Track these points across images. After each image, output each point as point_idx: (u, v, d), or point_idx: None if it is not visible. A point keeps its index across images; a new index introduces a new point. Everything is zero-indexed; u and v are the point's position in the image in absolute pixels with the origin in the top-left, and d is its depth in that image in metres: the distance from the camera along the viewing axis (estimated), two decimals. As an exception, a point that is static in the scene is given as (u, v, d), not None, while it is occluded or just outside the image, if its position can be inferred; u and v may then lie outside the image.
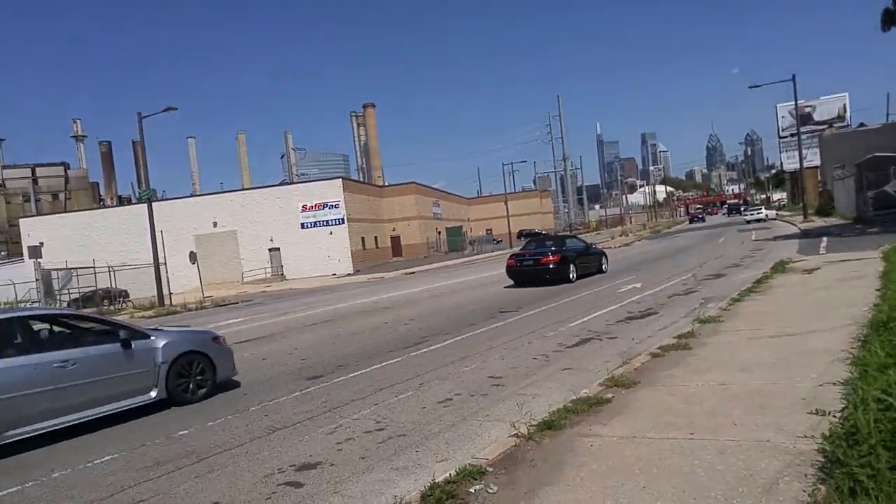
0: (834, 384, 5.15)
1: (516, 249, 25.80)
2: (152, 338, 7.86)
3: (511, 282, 19.83)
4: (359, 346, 11.40)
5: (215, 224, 49.12)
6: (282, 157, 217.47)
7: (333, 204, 47.41)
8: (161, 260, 29.09)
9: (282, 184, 62.85)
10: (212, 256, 48.08)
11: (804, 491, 3.39)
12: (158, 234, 29.29)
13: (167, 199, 55.53)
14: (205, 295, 31.11)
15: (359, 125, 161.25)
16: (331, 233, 47.24)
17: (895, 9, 23.98)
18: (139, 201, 48.53)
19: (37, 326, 7.58)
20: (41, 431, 6.64)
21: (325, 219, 47.54)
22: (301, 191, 50.13)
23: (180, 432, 6.69)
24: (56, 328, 7.80)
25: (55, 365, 6.81)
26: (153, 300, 28.96)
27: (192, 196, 64.73)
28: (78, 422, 6.93)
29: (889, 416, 3.40)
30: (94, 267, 32.46)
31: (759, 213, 55.64)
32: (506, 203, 61.63)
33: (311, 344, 12.35)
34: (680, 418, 4.97)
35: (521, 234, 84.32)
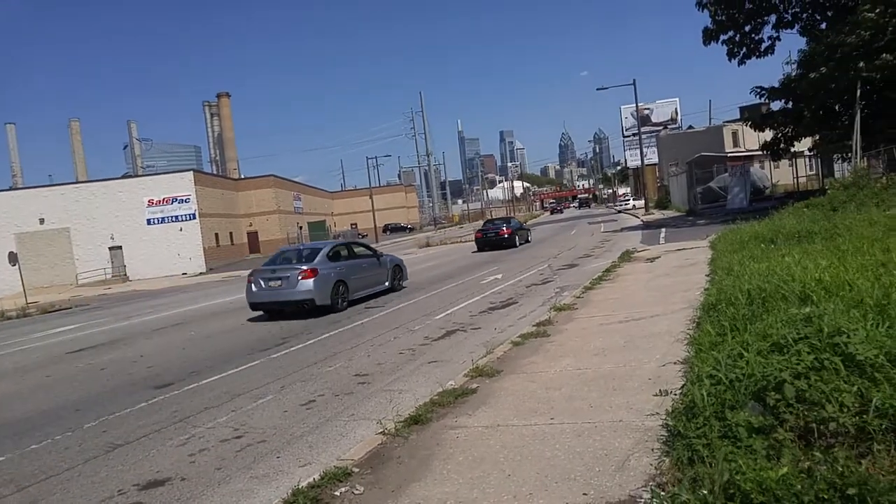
0: (675, 363, 5.63)
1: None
2: (384, 256, 15.80)
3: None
4: (213, 350, 10.65)
5: (42, 221, 43.71)
6: (125, 147, 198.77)
7: (184, 198, 44.18)
8: (-28, 262, 25.17)
9: (125, 176, 57.41)
10: (38, 257, 42.83)
11: (651, 465, 3.64)
12: (-32, 232, 25.31)
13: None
14: (28, 300, 27.56)
15: (212, 115, 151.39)
16: (181, 229, 44.01)
17: (713, 27, 27.15)
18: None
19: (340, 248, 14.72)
20: (358, 297, 14.10)
21: (174, 214, 44.17)
22: (147, 184, 46.14)
23: (-6, 460, 5.77)
24: (354, 248, 15.37)
25: (362, 265, 14.69)
26: (-39, 309, 24.91)
27: (11, 189, 57.01)
28: (366, 294, 14.47)
29: (719, 389, 3.73)
30: None
31: (627, 204, 67.09)
32: (371, 197, 61.10)
33: (159, 350, 11.37)
34: (541, 404, 5.15)
35: (387, 229, 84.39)
